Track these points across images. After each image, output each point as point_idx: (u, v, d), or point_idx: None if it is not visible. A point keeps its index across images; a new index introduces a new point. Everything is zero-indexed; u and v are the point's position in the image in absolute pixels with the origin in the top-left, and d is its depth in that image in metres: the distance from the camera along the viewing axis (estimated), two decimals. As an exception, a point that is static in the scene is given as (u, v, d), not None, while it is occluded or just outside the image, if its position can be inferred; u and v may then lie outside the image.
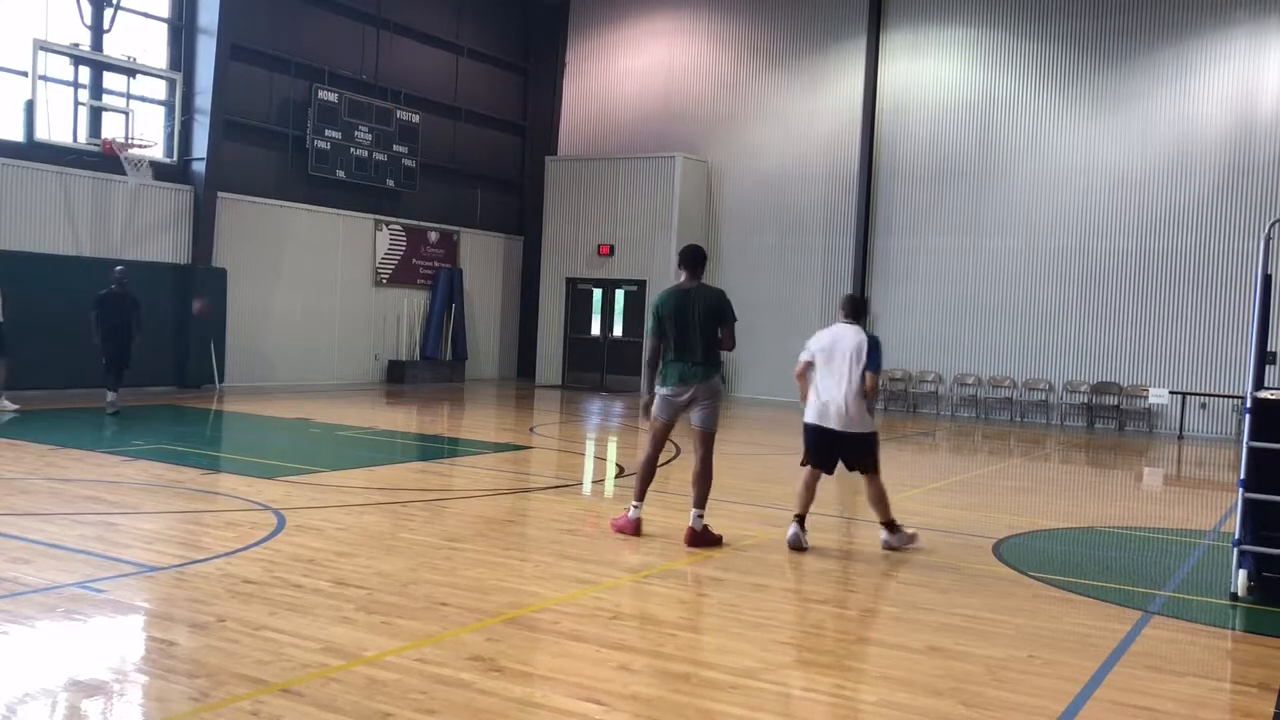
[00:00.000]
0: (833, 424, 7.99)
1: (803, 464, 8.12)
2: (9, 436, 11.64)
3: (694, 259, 8.19)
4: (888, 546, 8.02)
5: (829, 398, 7.98)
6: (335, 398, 18.47)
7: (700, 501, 7.85)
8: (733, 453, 14.08)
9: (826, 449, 8.06)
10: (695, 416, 7.94)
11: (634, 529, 8.01)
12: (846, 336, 8.00)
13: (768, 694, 4.71)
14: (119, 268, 14.48)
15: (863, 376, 7.86)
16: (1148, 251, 19.87)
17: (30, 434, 11.95)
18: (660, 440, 8.06)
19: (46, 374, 16.16)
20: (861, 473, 8.09)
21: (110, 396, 14.16)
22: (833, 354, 7.97)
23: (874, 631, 5.83)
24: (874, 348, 7.93)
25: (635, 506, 8.08)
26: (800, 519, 7.90)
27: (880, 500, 8.05)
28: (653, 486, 10.41)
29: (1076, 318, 20.39)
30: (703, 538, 7.79)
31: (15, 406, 14.08)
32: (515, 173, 26.13)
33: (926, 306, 21.63)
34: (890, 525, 8.06)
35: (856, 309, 8.26)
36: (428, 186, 23.43)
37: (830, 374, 7.97)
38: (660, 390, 8.00)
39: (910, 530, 8.17)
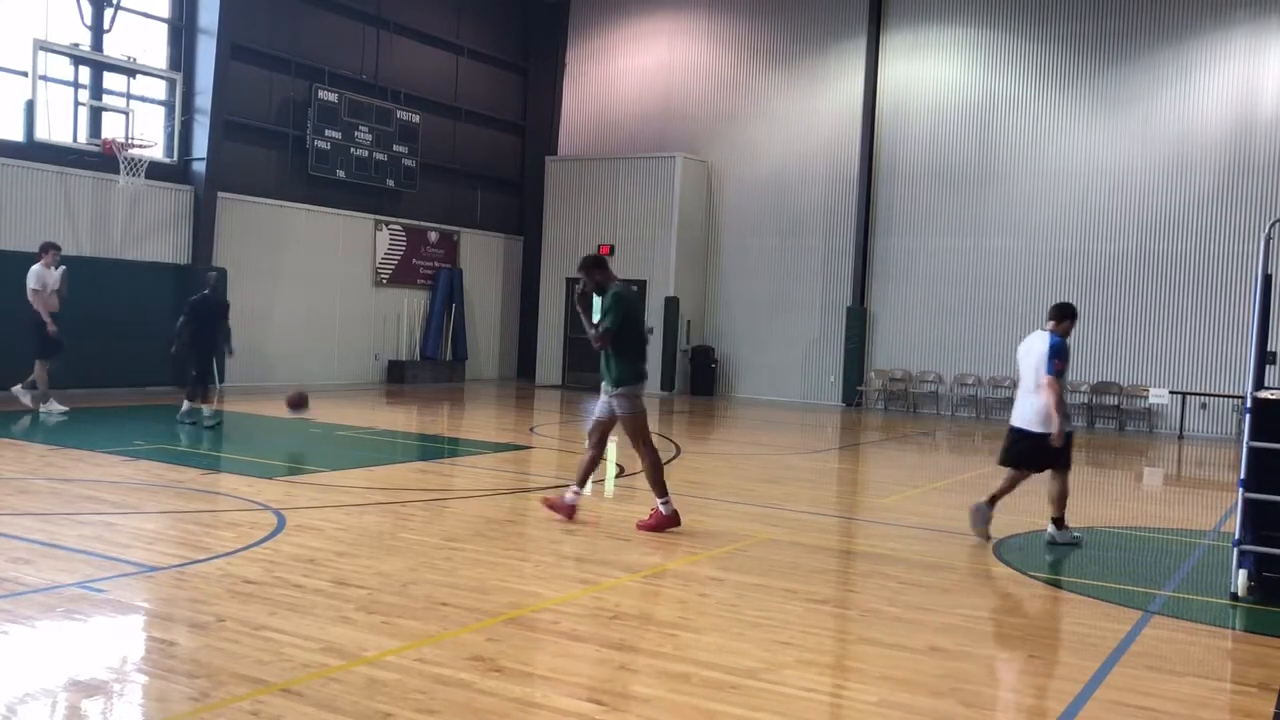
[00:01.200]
0: (1019, 422, 8.55)
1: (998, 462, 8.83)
2: (9, 436, 11.64)
3: (607, 262, 8.58)
4: (1051, 540, 8.50)
5: (1017, 399, 8.64)
6: (335, 398, 18.47)
7: (585, 481, 8.40)
8: (733, 453, 14.08)
9: (1010, 445, 8.64)
10: (610, 411, 8.34)
11: (674, 521, 8.19)
12: (1036, 342, 8.53)
13: (768, 694, 4.71)
14: (212, 273, 13.95)
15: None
16: (1148, 252, 19.87)
17: (30, 434, 11.95)
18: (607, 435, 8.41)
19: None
20: (1049, 470, 8.58)
21: (207, 410, 13.54)
22: (1025, 359, 8.58)
23: (874, 631, 5.83)
24: (1051, 352, 8.37)
25: (576, 493, 8.37)
26: (992, 501, 8.55)
27: (1058, 499, 8.50)
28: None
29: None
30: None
31: (63, 408, 13.99)
32: (515, 173, 26.13)
33: (926, 307, 21.63)
34: (1058, 521, 8.53)
35: (1059, 314, 8.66)
36: (428, 186, 23.43)
37: (1022, 378, 8.60)
38: (633, 386, 8.19)
39: (1077, 533, 8.65)
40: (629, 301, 8.24)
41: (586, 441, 8.49)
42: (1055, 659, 5.40)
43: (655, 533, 8.13)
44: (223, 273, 14.24)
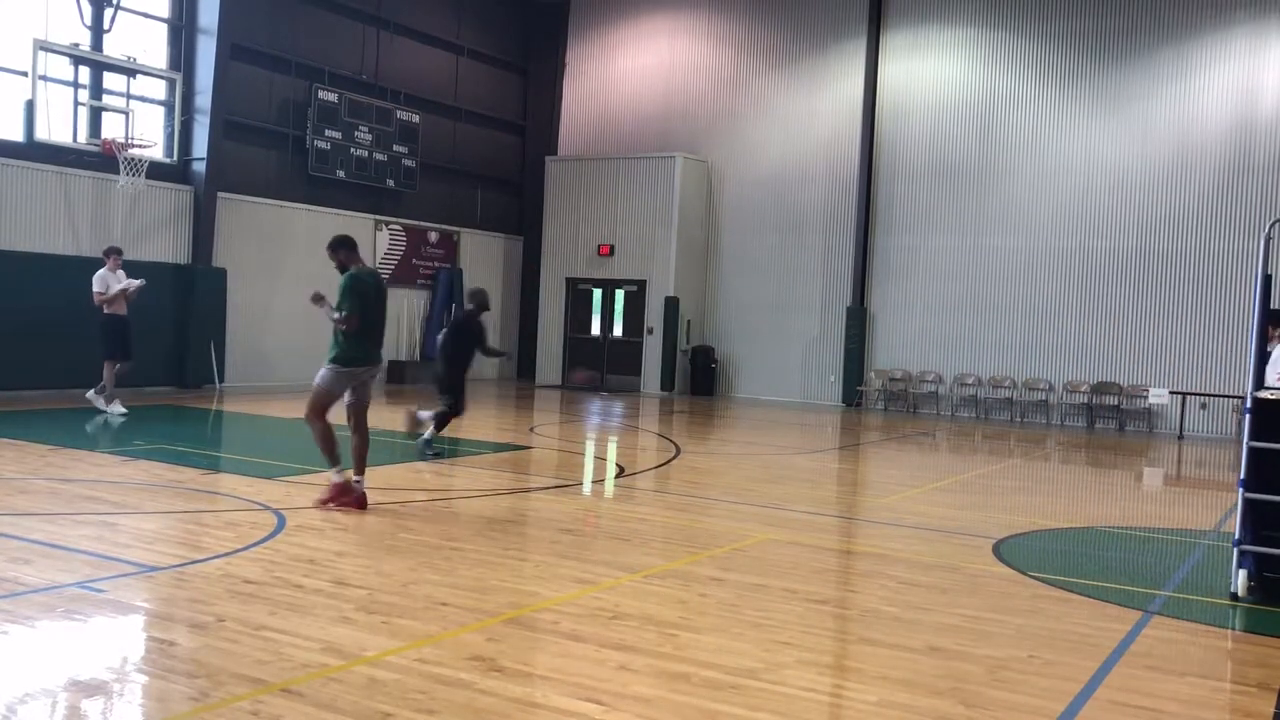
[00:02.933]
0: None
1: None
2: (9, 436, 11.64)
3: (355, 244, 8.67)
4: None
5: None
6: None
7: (364, 464, 8.44)
8: (733, 453, 14.08)
9: None
10: (362, 393, 8.48)
11: (345, 492, 8.34)
12: None
13: (768, 694, 4.71)
14: (481, 289, 12.40)
15: None
16: (1148, 251, 19.87)
17: (30, 434, 11.95)
18: (326, 411, 8.39)
19: (45, 374, 16.14)
20: None
21: (427, 434, 11.78)
22: None
23: (874, 631, 5.83)
24: None
25: (358, 481, 8.39)
26: None
27: None
28: (652, 486, 10.42)
29: (1076, 318, 20.39)
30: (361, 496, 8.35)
31: (123, 410, 14.16)
32: (515, 173, 26.13)
33: (926, 306, 21.63)
34: None
35: None
36: (428, 186, 23.43)
37: None
38: (343, 368, 8.30)
39: None
40: (364, 283, 8.37)
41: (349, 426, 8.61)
42: (1055, 659, 5.40)
43: (333, 505, 8.24)
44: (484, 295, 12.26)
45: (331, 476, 8.37)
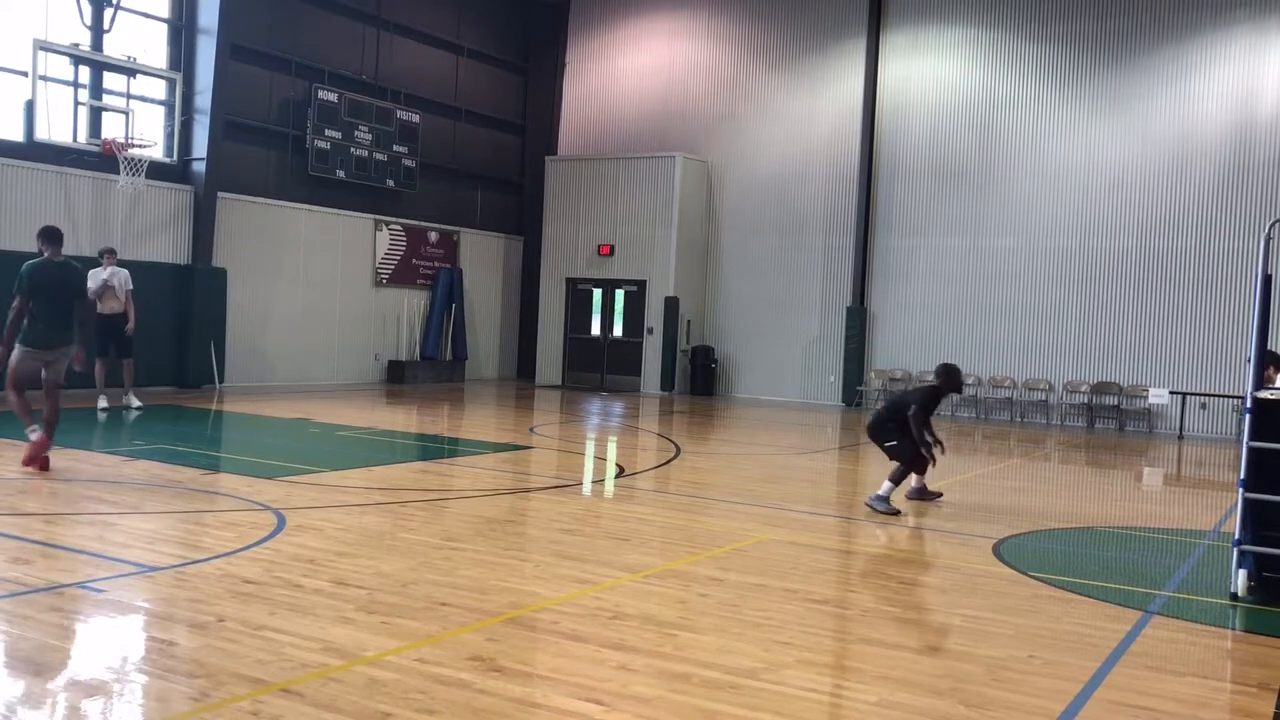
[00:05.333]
0: None
1: None
2: (9, 436, 11.63)
3: (59, 237, 9.61)
4: None
5: None
6: (335, 398, 18.47)
7: (52, 430, 9.41)
8: (733, 453, 14.09)
9: None
10: (53, 370, 9.55)
11: (44, 446, 9.32)
12: None
13: (768, 694, 4.71)
14: (950, 365, 10.32)
15: None
16: (1148, 251, 19.87)
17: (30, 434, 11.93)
18: (23, 386, 9.53)
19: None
20: None
21: (922, 482, 10.22)
22: None
23: (874, 631, 5.83)
24: None
25: (35, 429, 9.35)
26: None
27: None
28: (653, 486, 10.44)
29: (1076, 318, 20.39)
30: (44, 459, 9.34)
31: (139, 404, 14.53)
32: (515, 173, 26.13)
33: (926, 306, 21.64)
34: None
35: None
36: (428, 186, 23.43)
37: None
38: (25, 346, 9.35)
39: None
40: (39, 273, 9.30)
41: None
42: (1055, 659, 5.40)
43: (34, 463, 9.28)
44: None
45: (30, 436, 9.35)
